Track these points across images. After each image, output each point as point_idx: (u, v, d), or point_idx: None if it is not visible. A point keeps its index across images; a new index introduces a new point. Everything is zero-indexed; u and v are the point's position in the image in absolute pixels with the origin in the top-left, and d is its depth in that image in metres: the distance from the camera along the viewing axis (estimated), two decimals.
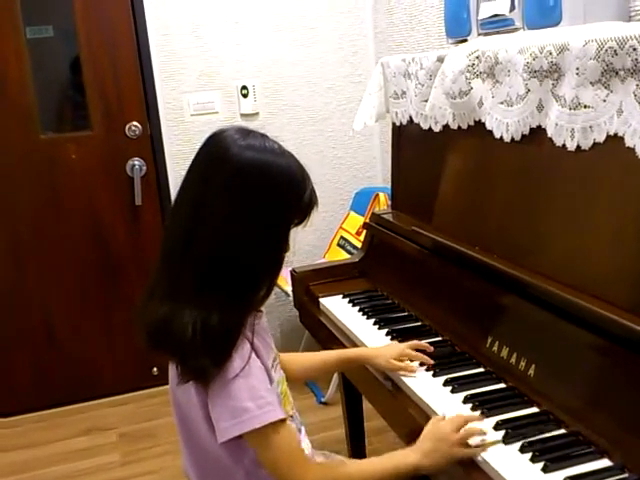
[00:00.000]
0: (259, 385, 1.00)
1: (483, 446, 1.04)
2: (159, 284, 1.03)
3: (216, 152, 1.01)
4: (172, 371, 1.07)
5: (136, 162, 2.72)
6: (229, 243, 0.98)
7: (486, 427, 1.08)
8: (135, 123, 2.70)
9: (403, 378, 1.30)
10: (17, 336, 2.74)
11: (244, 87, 2.80)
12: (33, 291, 2.73)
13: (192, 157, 1.06)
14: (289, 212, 1.03)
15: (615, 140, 1.07)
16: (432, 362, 1.31)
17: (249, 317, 1.03)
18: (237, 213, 0.98)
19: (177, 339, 0.97)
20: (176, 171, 2.74)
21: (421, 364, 1.32)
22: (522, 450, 1.02)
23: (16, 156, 2.62)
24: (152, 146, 2.74)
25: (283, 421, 1.01)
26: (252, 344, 1.02)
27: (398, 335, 1.47)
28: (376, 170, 3.06)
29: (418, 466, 1.04)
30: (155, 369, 2.85)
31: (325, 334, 1.69)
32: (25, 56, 2.57)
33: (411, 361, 1.32)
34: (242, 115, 2.82)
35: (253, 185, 0.99)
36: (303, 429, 1.20)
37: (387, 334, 1.50)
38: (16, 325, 2.73)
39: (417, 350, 1.33)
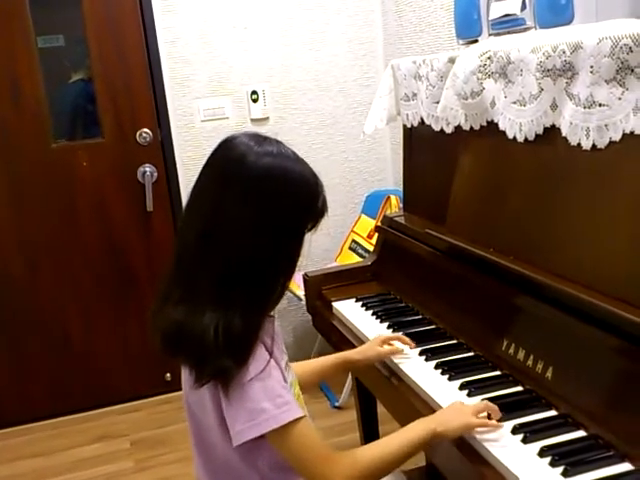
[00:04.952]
0: (276, 385, 1.00)
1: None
2: (174, 288, 1.04)
3: (233, 158, 1.02)
4: (185, 376, 1.07)
5: (147, 168, 2.73)
6: (248, 247, 0.99)
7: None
8: (146, 130, 2.71)
9: (418, 382, 1.29)
10: (31, 343, 2.75)
11: (254, 92, 2.80)
12: (46, 297, 2.74)
13: (203, 162, 1.06)
14: (305, 217, 1.05)
15: (631, 138, 1.06)
16: (413, 344, 1.40)
17: (265, 320, 1.03)
18: (256, 218, 0.99)
19: (196, 341, 0.97)
20: (187, 177, 2.75)
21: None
22: (541, 454, 1.01)
23: (28, 164, 2.64)
24: (163, 152, 2.75)
25: (302, 418, 1.01)
26: (267, 347, 1.02)
27: (413, 339, 1.45)
28: (387, 173, 3.05)
29: (435, 433, 1.06)
30: (168, 375, 2.84)
31: (338, 338, 1.68)
32: (37, 65, 2.58)
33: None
34: (252, 120, 2.82)
35: (271, 191, 1.00)
36: None
37: None
38: (30, 333, 2.74)
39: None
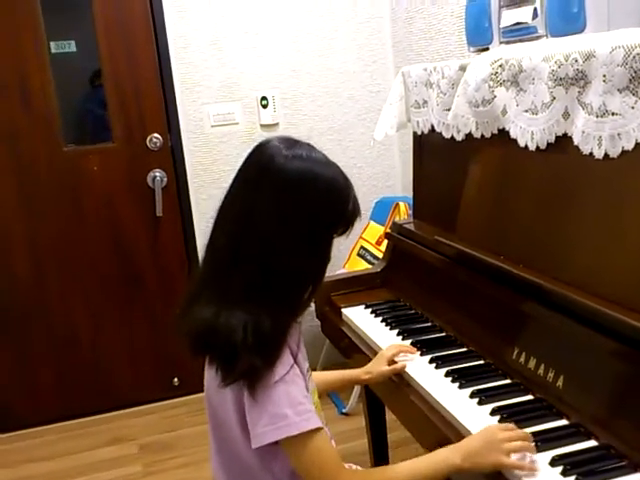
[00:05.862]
0: (298, 392, 1.01)
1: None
2: (203, 290, 1.05)
3: (264, 162, 1.03)
4: (210, 376, 1.07)
5: (157, 173, 2.74)
6: (278, 250, 1.01)
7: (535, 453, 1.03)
8: (156, 135, 2.72)
9: (428, 390, 1.29)
10: (38, 346, 2.76)
11: (264, 98, 2.81)
12: (55, 301, 2.75)
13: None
14: (336, 221, 1.05)
15: None
16: (416, 351, 1.42)
17: (293, 323, 1.05)
18: (287, 221, 1.00)
19: (225, 339, 0.98)
20: (196, 182, 2.75)
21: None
22: (553, 464, 1.00)
23: (39, 168, 2.65)
24: (173, 157, 2.76)
25: (319, 429, 1.01)
26: (293, 352, 1.04)
27: (422, 346, 1.45)
28: (396, 179, 3.05)
29: (459, 468, 1.02)
30: (176, 379, 2.85)
31: (347, 345, 1.68)
32: (49, 70, 2.60)
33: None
34: (262, 126, 2.83)
35: (302, 195, 1.01)
36: (333, 442, 1.19)
37: (411, 345, 1.48)
38: (37, 336, 2.75)
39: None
